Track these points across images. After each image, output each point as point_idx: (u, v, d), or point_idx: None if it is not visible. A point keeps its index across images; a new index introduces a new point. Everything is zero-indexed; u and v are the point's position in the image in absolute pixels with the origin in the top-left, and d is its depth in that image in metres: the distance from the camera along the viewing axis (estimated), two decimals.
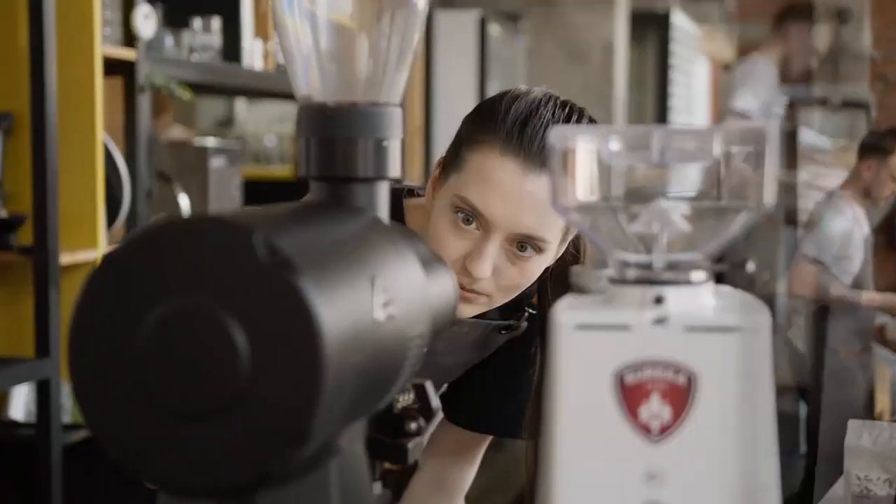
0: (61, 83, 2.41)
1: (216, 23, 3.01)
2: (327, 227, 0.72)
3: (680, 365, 0.68)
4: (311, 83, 0.84)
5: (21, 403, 2.58)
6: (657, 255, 0.72)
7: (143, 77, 2.65)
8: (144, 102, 2.67)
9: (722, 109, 4.41)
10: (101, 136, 2.50)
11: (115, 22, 2.63)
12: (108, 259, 0.64)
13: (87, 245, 2.51)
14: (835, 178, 4.47)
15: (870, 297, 4.38)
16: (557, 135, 0.72)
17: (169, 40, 2.93)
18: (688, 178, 0.76)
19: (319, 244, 0.68)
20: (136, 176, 2.68)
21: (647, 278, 0.71)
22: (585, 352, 0.69)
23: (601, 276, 0.76)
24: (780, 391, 4.02)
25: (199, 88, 3.16)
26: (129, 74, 2.66)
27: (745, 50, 9.98)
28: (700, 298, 0.71)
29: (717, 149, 0.70)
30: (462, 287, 1.25)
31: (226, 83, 3.13)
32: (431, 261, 0.87)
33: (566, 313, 0.70)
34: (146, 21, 2.63)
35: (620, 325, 0.69)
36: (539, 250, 1.25)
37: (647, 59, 7.40)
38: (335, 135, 0.82)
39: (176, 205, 2.87)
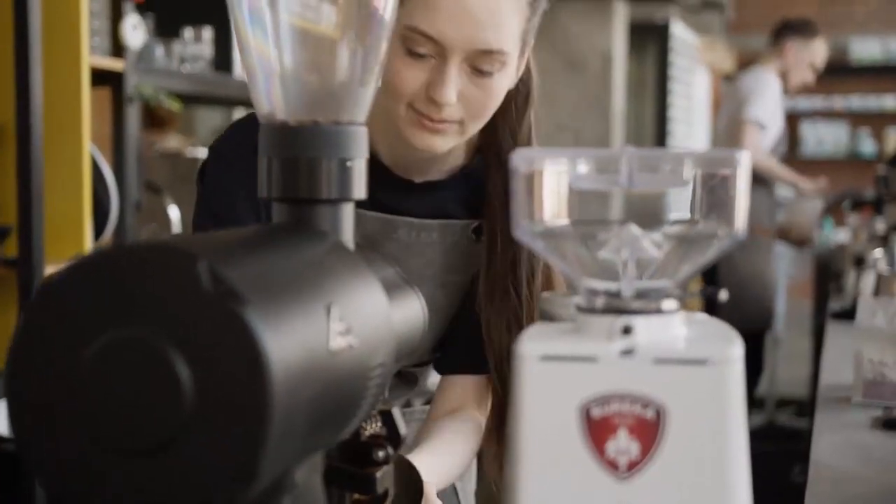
0: (48, 93, 2.38)
1: (207, 33, 2.99)
2: (283, 253, 0.69)
3: (648, 398, 0.65)
4: (273, 100, 0.81)
5: (4, 417, 2.55)
6: (626, 282, 0.69)
7: (132, 88, 2.63)
8: (133, 113, 2.65)
9: (729, 120, 4.40)
10: (88, 146, 2.47)
11: (104, 32, 2.61)
12: (48, 286, 0.61)
13: (74, 257, 2.48)
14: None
15: (805, 181, 4.77)
16: (522, 157, 0.69)
17: (159, 50, 2.90)
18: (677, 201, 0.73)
19: (271, 271, 0.65)
20: (125, 187, 2.66)
21: (616, 307, 0.68)
22: (550, 384, 0.67)
23: (570, 303, 0.73)
24: None
25: (190, 98, 3.13)
26: (118, 85, 2.63)
27: (744, 60, 9.97)
28: (670, 328, 0.68)
29: (688, 174, 0.67)
30: (430, 119, 1.22)
31: (216, 94, 3.11)
32: (397, 284, 0.84)
33: (530, 344, 0.67)
34: (135, 31, 2.60)
35: (586, 356, 0.66)
36: (500, 64, 1.21)
37: (647, 70, 7.37)
38: (297, 154, 0.79)
39: (165, 216, 2.84)
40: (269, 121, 0.81)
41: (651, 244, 0.69)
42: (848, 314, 2.72)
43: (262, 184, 0.80)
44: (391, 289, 0.81)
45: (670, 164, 0.67)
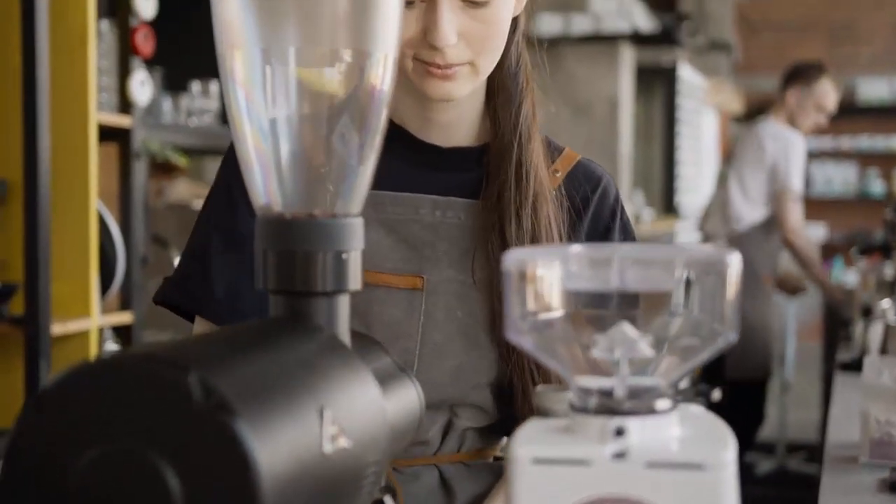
0: (55, 151, 2.40)
1: (215, 86, 3.00)
2: (275, 354, 0.69)
3: (641, 502, 0.65)
4: (269, 193, 0.81)
5: None
6: (619, 382, 0.69)
7: (139, 143, 2.64)
8: (140, 169, 2.66)
9: (769, 187, 4.40)
10: (95, 203, 2.48)
11: (112, 88, 2.62)
12: (40, 397, 0.61)
13: (80, 314, 2.49)
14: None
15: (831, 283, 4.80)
16: (513, 259, 0.69)
17: (167, 104, 2.92)
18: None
19: (263, 377, 0.65)
20: (131, 242, 2.66)
21: (609, 407, 0.68)
22: (543, 487, 0.66)
23: (564, 398, 0.73)
24: None
25: (198, 151, 3.15)
26: (125, 140, 2.65)
27: (752, 101, 10.01)
28: (664, 429, 0.68)
29: (678, 275, 0.67)
30: (437, 66, 1.15)
31: (224, 146, 3.12)
32: (391, 374, 0.84)
33: (524, 446, 0.67)
34: (142, 87, 2.62)
35: (579, 459, 0.66)
36: None
37: (654, 112, 7.40)
38: (293, 248, 0.79)
39: (172, 269, 2.84)
40: (266, 213, 0.81)
41: (644, 343, 0.69)
42: (856, 365, 2.71)
43: (259, 275, 0.81)
44: (386, 379, 0.81)
45: (661, 266, 0.67)
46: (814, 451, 5.30)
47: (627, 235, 1.27)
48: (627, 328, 0.70)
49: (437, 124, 1.26)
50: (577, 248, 0.71)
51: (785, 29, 10.24)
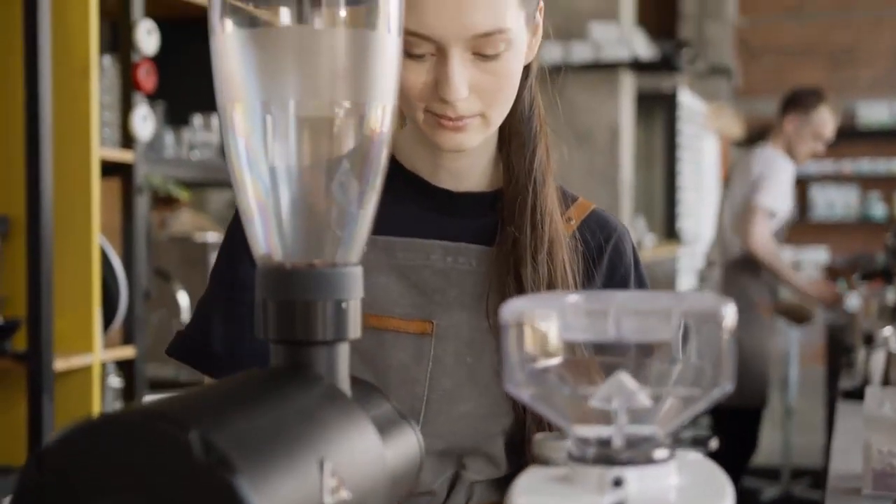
0: (58, 186, 2.41)
1: (216, 120, 3.02)
2: (275, 407, 0.70)
3: None
4: (269, 243, 0.82)
5: None
6: (617, 431, 0.69)
7: (141, 178, 2.65)
8: (142, 203, 2.67)
9: (742, 204, 4.41)
10: (97, 239, 2.49)
11: (114, 123, 2.64)
12: (42, 454, 0.62)
13: (83, 350, 2.49)
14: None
15: (813, 288, 4.67)
16: (510, 309, 0.70)
17: (169, 137, 2.94)
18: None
19: (263, 431, 0.65)
20: (134, 276, 2.67)
21: (607, 457, 0.69)
22: None
23: (563, 447, 0.73)
24: None
25: (199, 184, 3.16)
26: (128, 175, 2.66)
27: (753, 125, 10.04)
28: (662, 479, 0.68)
29: (675, 326, 0.68)
30: (448, 118, 1.14)
31: (225, 179, 3.14)
32: (391, 420, 0.84)
33: (523, 496, 0.68)
34: (144, 123, 2.64)
35: None
36: (505, 43, 1.13)
37: (655, 138, 7.42)
38: (293, 297, 0.80)
39: (174, 302, 2.85)
40: (266, 263, 0.82)
41: (642, 393, 0.69)
42: (859, 393, 2.70)
43: (259, 324, 0.81)
44: (385, 427, 0.82)
45: (658, 315, 0.68)
46: (818, 477, 5.29)
47: (643, 287, 1.28)
48: (625, 378, 0.70)
49: (449, 171, 1.26)
50: (573, 299, 0.72)
51: (785, 53, 10.28)
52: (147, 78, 2.64)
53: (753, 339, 4.33)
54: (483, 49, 1.12)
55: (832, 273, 10.03)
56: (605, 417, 0.70)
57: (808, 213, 10.34)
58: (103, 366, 2.60)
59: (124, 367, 2.73)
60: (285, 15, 0.85)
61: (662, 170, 7.45)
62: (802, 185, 10.31)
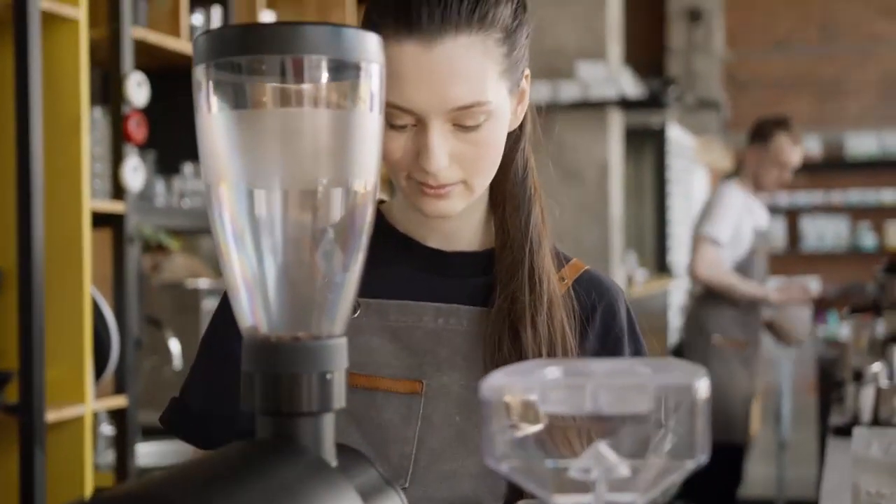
0: (49, 238, 2.43)
1: None
2: (260, 481, 0.71)
3: None
4: (255, 316, 0.84)
5: None
6: (596, 501, 0.71)
7: (132, 228, 2.67)
8: (133, 253, 2.69)
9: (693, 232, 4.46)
10: (88, 290, 2.50)
11: (105, 175, 2.66)
12: None
13: (75, 400, 2.50)
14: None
15: (775, 293, 4.51)
16: (490, 386, 0.72)
17: (160, 186, 2.96)
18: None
19: None
20: (125, 326, 2.68)
21: None
22: None
23: None
24: None
25: (191, 231, 3.18)
26: (119, 225, 2.68)
27: (742, 158, 10.09)
28: None
29: (649, 402, 0.70)
30: (430, 186, 1.15)
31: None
32: (377, 487, 0.86)
33: None
34: (135, 174, 2.66)
35: None
36: (485, 115, 1.14)
37: (645, 173, 7.46)
38: (279, 370, 0.82)
39: (166, 350, 2.86)
40: (252, 335, 0.84)
41: (621, 463, 0.71)
42: (848, 430, 2.71)
43: (245, 396, 0.83)
44: (371, 493, 0.83)
45: (632, 393, 0.70)
46: None
47: (639, 349, 1.28)
48: (604, 448, 0.72)
49: (440, 231, 1.27)
50: (552, 373, 0.74)
51: (773, 86, 10.35)
52: (137, 129, 2.66)
53: (731, 378, 4.31)
54: (463, 121, 1.13)
55: (823, 304, 10.08)
56: (585, 487, 0.72)
57: (799, 244, 10.38)
58: (95, 416, 2.60)
59: (116, 415, 2.73)
60: (269, 96, 0.87)
61: (652, 204, 7.48)
62: (793, 215, 10.36)
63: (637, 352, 1.29)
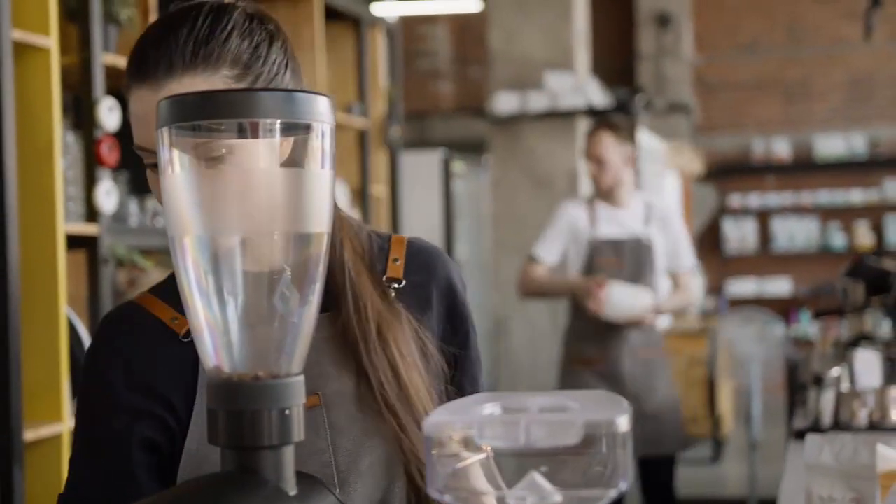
0: (24, 261, 2.48)
1: None
2: None
3: None
4: (218, 356, 0.90)
5: None
6: None
7: (106, 249, 2.73)
8: (107, 274, 2.75)
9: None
10: (64, 310, 2.56)
11: (78, 198, 2.71)
12: None
13: (52, 419, 2.55)
14: None
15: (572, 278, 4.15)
16: (432, 423, 0.79)
17: (133, 206, 3.01)
18: None
19: None
20: None
21: None
22: None
23: None
24: None
25: (166, 250, 3.24)
26: (93, 247, 2.73)
27: (712, 161, 10.22)
28: None
29: (578, 436, 0.77)
30: None
31: None
32: None
33: None
34: (108, 197, 2.72)
35: None
36: (227, 148, 1.14)
37: None
38: (241, 407, 0.88)
39: None
40: (215, 375, 0.91)
41: (554, 491, 0.78)
42: (810, 432, 2.78)
43: (211, 432, 0.90)
44: None
45: (562, 428, 0.77)
46: None
47: (466, 316, 1.34)
48: (538, 478, 0.79)
49: None
50: (489, 410, 0.81)
51: (742, 89, 10.47)
52: (110, 153, 2.72)
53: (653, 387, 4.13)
54: (204, 156, 1.15)
55: (796, 303, 10.22)
56: None
57: (770, 245, 10.51)
58: (72, 433, 2.65)
59: None
60: (227, 155, 0.94)
61: None
62: (764, 216, 10.49)
63: (472, 323, 1.36)
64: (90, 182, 2.72)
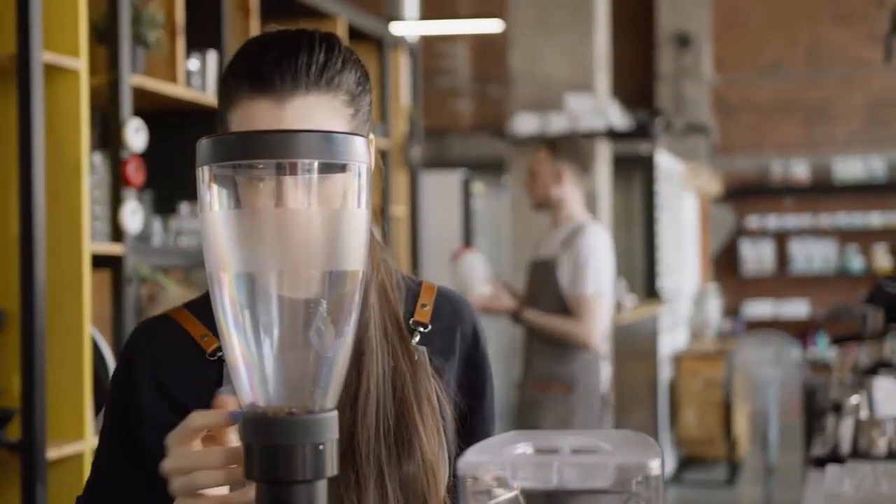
0: (51, 280, 2.51)
1: None
2: None
3: None
4: (254, 392, 0.92)
5: None
6: None
7: (131, 269, 2.75)
8: (131, 293, 2.77)
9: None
10: (88, 330, 2.58)
11: (104, 217, 2.74)
12: None
13: (75, 437, 2.58)
14: None
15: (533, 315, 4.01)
16: (465, 462, 0.80)
17: (158, 226, 3.04)
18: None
19: None
20: None
21: None
22: None
23: None
24: None
25: (188, 267, 3.26)
26: (117, 267, 2.76)
27: (731, 182, 10.21)
28: None
29: (609, 479, 0.78)
30: None
31: None
32: None
33: None
34: (133, 217, 2.74)
35: None
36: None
37: (634, 199, 7.55)
38: (275, 441, 0.90)
39: None
40: (251, 410, 0.92)
41: None
42: (827, 461, 2.78)
43: (246, 466, 0.91)
44: None
45: (594, 471, 0.78)
46: None
47: (485, 368, 1.36)
48: None
49: None
50: (521, 450, 0.82)
51: (762, 110, 10.46)
52: (136, 174, 2.75)
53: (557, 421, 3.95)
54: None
55: (813, 325, 10.18)
56: None
57: (788, 267, 10.47)
58: (94, 452, 2.68)
59: None
60: (265, 195, 0.95)
61: (641, 230, 7.57)
62: (782, 238, 10.46)
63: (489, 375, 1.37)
64: (116, 202, 2.75)
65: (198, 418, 1.01)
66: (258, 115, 1.19)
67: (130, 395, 1.27)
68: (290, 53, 1.20)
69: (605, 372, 4.09)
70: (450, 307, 1.36)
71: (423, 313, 1.34)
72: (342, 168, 0.90)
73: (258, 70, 1.20)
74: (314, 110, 1.20)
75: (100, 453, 1.31)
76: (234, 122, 1.21)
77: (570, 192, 4.05)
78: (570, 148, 4.11)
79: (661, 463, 0.78)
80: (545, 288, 4.00)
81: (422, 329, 1.32)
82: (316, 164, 0.89)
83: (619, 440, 0.83)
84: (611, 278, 4.08)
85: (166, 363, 1.28)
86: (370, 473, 1.22)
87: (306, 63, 1.20)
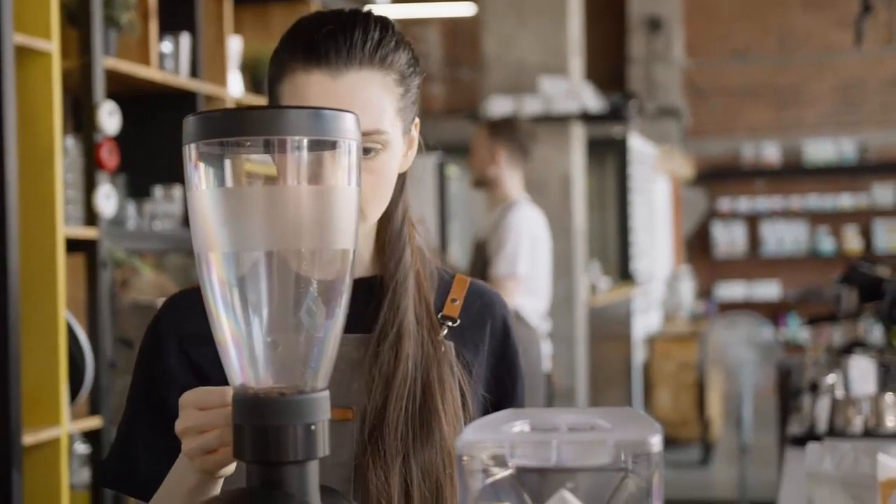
0: (24, 265, 2.48)
1: (177, 191, 3.10)
2: None
3: None
4: (244, 373, 0.91)
5: None
6: None
7: (105, 253, 2.73)
8: (106, 277, 2.74)
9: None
10: (63, 314, 2.56)
11: (78, 201, 2.71)
12: None
13: (50, 423, 2.55)
14: None
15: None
16: (463, 441, 0.79)
17: (132, 210, 3.01)
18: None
19: None
20: (99, 348, 2.73)
21: None
22: None
23: None
24: None
25: (162, 251, 3.24)
26: (92, 251, 2.73)
27: (703, 165, 10.24)
28: None
29: (608, 455, 0.77)
30: None
31: (187, 248, 3.21)
32: None
33: None
34: (107, 200, 2.71)
35: None
36: (382, 144, 1.22)
37: (607, 182, 7.56)
38: (266, 422, 0.89)
39: None
40: (241, 392, 0.91)
41: None
42: (806, 439, 2.79)
43: (237, 446, 0.90)
44: None
45: (592, 448, 0.77)
46: None
47: (516, 363, 1.36)
48: (567, 495, 0.80)
49: None
50: (518, 428, 0.81)
51: (733, 94, 10.49)
52: (110, 157, 2.72)
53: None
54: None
55: (784, 307, 10.25)
56: None
57: (759, 249, 10.54)
58: (70, 437, 2.65)
59: (91, 436, 2.78)
60: (253, 172, 0.94)
61: (615, 213, 7.59)
62: (753, 221, 10.51)
63: (520, 372, 1.37)
64: (89, 186, 2.72)
65: (215, 396, 1.00)
66: (311, 87, 1.20)
67: (156, 362, 1.28)
68: (346, 29, 1.21)
69: (546, 350, 4.12)
70: (480, 302, 1.36)
71: (453, 308, 1.33)
72: (332, 145, 0.89)
73: (313, 43, 1.21)
74: (366, 85, 1.21)
75: (125, 419, 1.31)
76: (286, 94, 1.22)
77: (505, 173, 4.10)
78: (507, 130, 4.15)
79: (660, 440, 0.78)
80: (478, 268, 4.05)
81: (450, 323, 1.32)
82: (305, 141, 0.87)
83: (616, 417, 0.83)
84: (537, 259, 4.08)
85: (192, 333, 1.27)
86: (397, 452, 1.22)
87: (361, 39, 1.21)
